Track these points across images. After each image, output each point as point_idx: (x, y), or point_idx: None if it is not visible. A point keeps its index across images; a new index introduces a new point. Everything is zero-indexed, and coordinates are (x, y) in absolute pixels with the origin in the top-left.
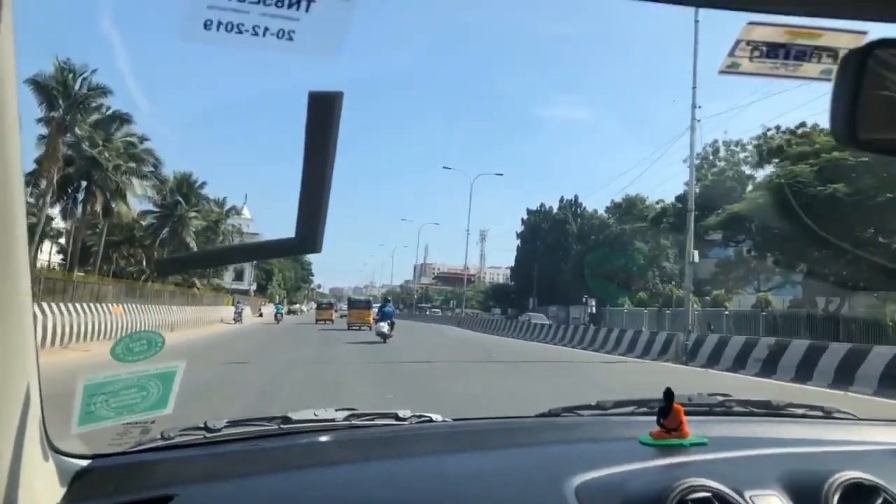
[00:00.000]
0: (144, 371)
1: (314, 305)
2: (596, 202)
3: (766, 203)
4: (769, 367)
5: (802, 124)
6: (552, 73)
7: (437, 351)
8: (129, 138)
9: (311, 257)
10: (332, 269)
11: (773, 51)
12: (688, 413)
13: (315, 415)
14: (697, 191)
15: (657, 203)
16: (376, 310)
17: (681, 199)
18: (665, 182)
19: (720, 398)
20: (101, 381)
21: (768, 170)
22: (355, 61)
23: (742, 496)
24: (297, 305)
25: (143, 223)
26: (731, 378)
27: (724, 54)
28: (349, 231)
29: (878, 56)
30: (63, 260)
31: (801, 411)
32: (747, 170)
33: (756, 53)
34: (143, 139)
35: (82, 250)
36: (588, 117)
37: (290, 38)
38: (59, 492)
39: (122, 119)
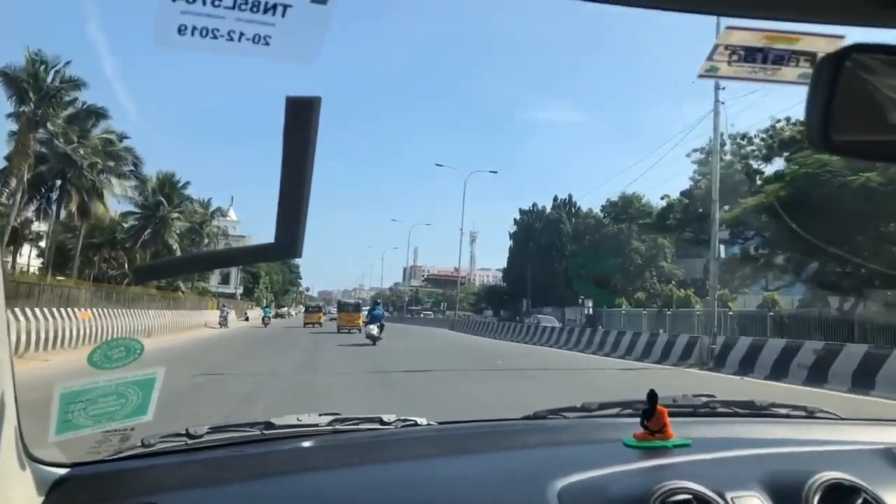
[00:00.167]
0: (123, 378)
1: (302, 309)
2: (591, 202)
3: (788, 195)
4: (818, 375)
5: None
6: (541, 76)
7: (434, 358)
8: (107, 135)
9: (299, 260)
10: (320, 272)
11: (750, 55)
12: (672, 414)
13: (298, 420)
14: (702, 187)
15: (662, 198)
16: (366, 312)
17: (686, 194)
18: (663, 182)
19: (704, 399)
20: (78, 388)
21: (777, 163)
22: (349, 63)
23: (723, 498)
24: (285, 309)
25: (125, 225)
26: (785, 389)
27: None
28: (338, 234)
29: (853, 60)
30: (43, 264)
31: (784, 411)
32: (754, 164)
33: (734, 58)
34: (122, 137)
35: (62, 253)
36: (577, 120)
37: (267, 43)
38: (37, 501)
39: (98, 114)
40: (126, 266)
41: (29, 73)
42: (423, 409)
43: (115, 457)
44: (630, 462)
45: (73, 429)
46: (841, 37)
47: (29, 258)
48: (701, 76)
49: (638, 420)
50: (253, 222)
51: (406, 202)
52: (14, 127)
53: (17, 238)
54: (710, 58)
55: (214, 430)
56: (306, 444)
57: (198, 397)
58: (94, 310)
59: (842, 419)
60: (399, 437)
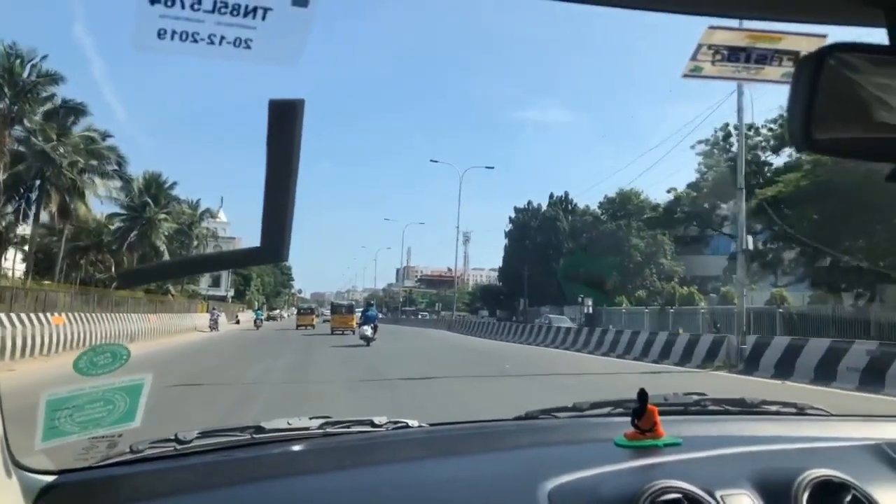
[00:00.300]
0: (110, 384)
1: (295, 311)
2: (587, 199)
3: (811, 184)
4: (873, 379)
5: None
6: (533, 75)
7: (434, 362)
8: (88, 133)
9: (290, 262)
10: (313, 274)
11: (734, 54)
12: (663, 413)
13: (289, 423)
14: (709, 179)
15: (668, 192)
16: (359, 314)
17: (694, 186)
18: (661, 179)
19: (695, 397)
20: (64, 395)
21: (787, 153)
22: (343, 62)
23: (713, 496)
24: (278, 311)
25: (112, 227)
26: (845, 397)
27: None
28: (330, 235)
29: (835, 59)
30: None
31: (774, 408)
32: (762, 155)
33: (718, 57)
34: (105, 135)
35: (49, 257)
36: (569, 120)
37: (248, 47)
38: None
39: (77, 110)
40: (112, 270)
41: (3, 67)
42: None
43: (103, 463)
44: (620, 462)
45: (60, 435)
46: (823, 36)
47: (14, 262)
48: (685, 76)
49: (629, 419)
50: (244, 224)
51: (399, 203)
52: None
53: (1, 242)
54: (693, 58)
55: (204, 434)
56: (297, 447)
57: (174, 412)
58: (71, 314)
59: (832, 416)
60: (390, 439)
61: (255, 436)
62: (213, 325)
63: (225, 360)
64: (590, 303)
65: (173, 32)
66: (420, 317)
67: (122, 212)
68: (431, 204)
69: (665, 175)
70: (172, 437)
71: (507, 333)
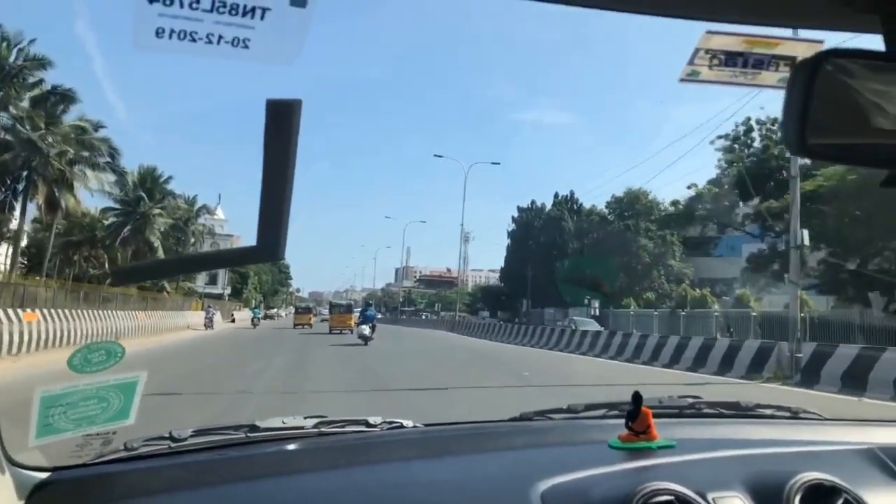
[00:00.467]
0: (104, 382)
1: (293, 310)
2: (593, 199)
3: (859, 177)
4: None
5: None
6: (534, 76)
7: (443, 370)
8: (79, 123)
9: (288, 260)
10: (311, 273)
11: (731, 59)
12: (657, 416)
13: (283, 422)
14: (733, 174)
15: (689, 188)
16: (357, 313)
17: (715, 182)
18: (669, 180)
19: (690, 400)
20: (58, 392)
21: None
22: (341, 63)
23: (705, 498)
24: (275, 310)
25: (106, 222)
26: None
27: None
28: (329, 234)
29: (830, 65)
30: (22, 264)
31: (769, 412)
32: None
33: (715, 62)
34: (97, 126)
35: (41, 252)
36: (571, 122)
37: (246, 46)
38: None
39: (66, 96)
40: (106, 265)
41: None
42: None
43: (98, 460)
44: (614, 464)
45: (54, 432)
46: (820, 41)
47: (6, 257)
48: (682, 80)
49: (623, 421)
50: (242, 221)
51: (399, 201)
52: None
53: None
54: (691, 62)
55: (198, 433)
56: (291, 446)
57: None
58: (49, 311)
59: (826, 419)
60: (385, 439)
61: (249, 434)
62: (209, 323)
63: (220, 358)
64: (596, 304)
65: (172, 31)
66: (424, 316)
67: (116, 206)
68: (431, 203)
69: (668, 177)
70: (167, 435)
71: (512, 336)
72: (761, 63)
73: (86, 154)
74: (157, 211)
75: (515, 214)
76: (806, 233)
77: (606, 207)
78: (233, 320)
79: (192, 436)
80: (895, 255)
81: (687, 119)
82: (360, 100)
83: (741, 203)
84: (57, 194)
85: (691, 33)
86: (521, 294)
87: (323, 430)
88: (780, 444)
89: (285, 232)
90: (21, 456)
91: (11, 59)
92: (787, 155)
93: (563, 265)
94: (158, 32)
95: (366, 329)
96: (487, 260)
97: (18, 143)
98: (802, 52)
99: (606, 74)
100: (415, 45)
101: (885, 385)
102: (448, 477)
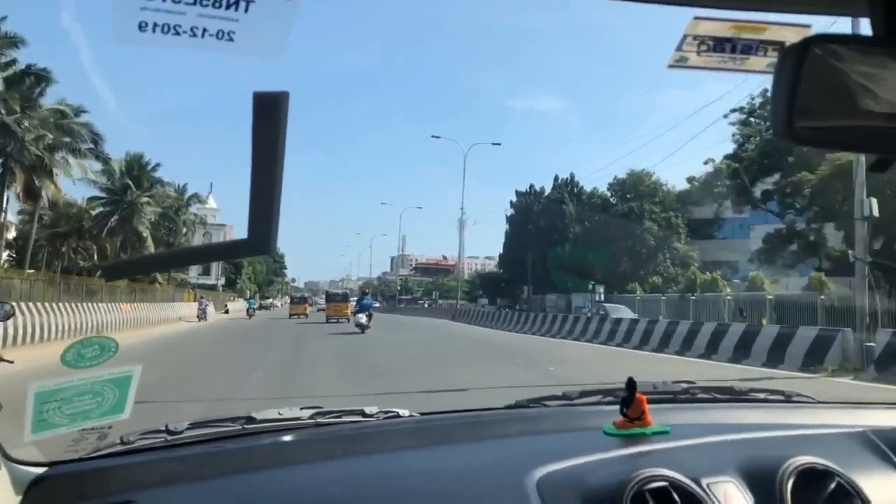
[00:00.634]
0: (98, 376)
1: (288, 300)
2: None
3: None
4: None
5: None
6: (522, 65)
7: (452, 365)
8: (59, 107)
9: (284, 251)
10: (307, 262)
11: (719, 45)
12: (652, 401)
13: (280, 414)
14: (749, 149)
15: (705, 163)
16: (354, 302)
17: (732, 157)
18: (674, 161)
19: (684, 385)
20: (52, 388)
21: None
22: (330, 52)
23: (699, 484)
24: (270, 300)
25: (93, 212)
26: None
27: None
28: (324, 224)
29: (818, 50)
30: (11, 257)
31: (762, 396)
32: None
33: (703, 48)
34: (78, 110)
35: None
36: (563, 108)
37: (231, 39)
38: (15, 501)
39: (41, 76)
40: (96, 257)
41: None
42: None
43: (94, 455)
44: (609, 450)
45: (49, 428)
46: (808, 26)
47: None
48: (671, 66)
49: (618, 408)
50: (235, 210)
51: (394, 188)
52: None
53: None
54: (679, 48)
55: (194, 425)
56: (287, 438)
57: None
58: (21, 304)
59: (819, 403)
60: (381, 429)
61: (245, 426)
62: (202, 314)
63: (214, 349)
64: (601, 290)
65: (154, 25)
66: (425, 305)
67: (102, 195)
68: (427, 190)
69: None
70: (163, 429)
71: (520, 324)
72: (749, 48)
73: (66, 140)
74: (144, 199)
75: (514, 199)
76: (874, 202)
77: (609, 190)
78: (226, 311)
79: (188, 428)
80: None
81: (696, 101)
82: (352, 87)
83: (761, 178)
84: (37, 182)
85: (679, 19)
86: (521, 280)
87: (319, 420)
88: (773, 427)
89: (276, 225)
90: (17, 451)
91: None
92: None
93: (565, 250)
94: (141, 26)
95: (363, 318)
96: (483, 247)
97: None
98: (790, 36)
99: (598, 61)
100: (404, 32)
101: None
102: (444, 465)
